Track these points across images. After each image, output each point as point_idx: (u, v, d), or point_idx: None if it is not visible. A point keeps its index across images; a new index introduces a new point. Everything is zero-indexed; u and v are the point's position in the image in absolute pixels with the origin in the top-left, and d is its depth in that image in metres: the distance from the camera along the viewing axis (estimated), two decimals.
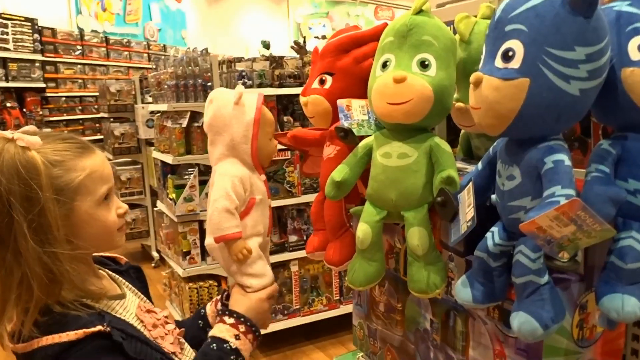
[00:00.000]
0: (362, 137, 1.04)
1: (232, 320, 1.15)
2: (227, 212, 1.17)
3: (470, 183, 0.86)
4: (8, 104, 5.64)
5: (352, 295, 1.41)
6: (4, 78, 5.57)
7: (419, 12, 0.96)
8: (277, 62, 2.99)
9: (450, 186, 0.89)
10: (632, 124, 0.79)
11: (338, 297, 3.32)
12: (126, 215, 1.05)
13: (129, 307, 1.05)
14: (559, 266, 0.72)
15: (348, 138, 1.02)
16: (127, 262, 1.21)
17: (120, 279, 1.13)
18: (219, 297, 1.34)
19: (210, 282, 3.15)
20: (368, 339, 1.30)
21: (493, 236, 0.85)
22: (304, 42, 3.37)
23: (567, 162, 0.73)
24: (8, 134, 0.92)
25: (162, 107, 3.29)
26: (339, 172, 1.01)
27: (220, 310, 1.23)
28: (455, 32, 1.08)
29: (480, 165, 0.91)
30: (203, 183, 3.00)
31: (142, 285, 1.19)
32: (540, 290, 0.77)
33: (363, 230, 0.98)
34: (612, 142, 0.79)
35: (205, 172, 3.09)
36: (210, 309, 1.33)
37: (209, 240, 1.22)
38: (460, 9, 1.18)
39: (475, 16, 1.09)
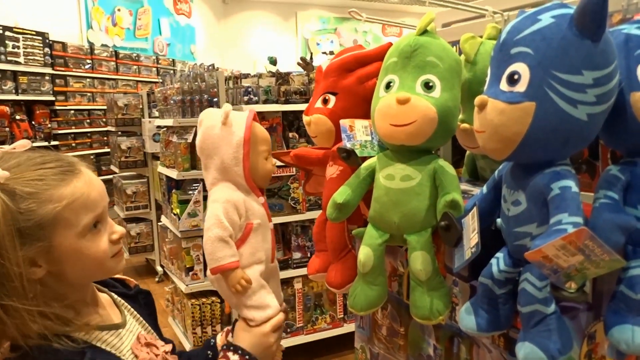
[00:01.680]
0: (364, 158, 1.02)
1: (236, 357, 1.08)
2: (221, 241, 1.10)
3: (475, 208, 0.84)
4: (17, 117, 5.68)
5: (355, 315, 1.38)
6: (14, 91, 5.62)
7: (424, 32, 0.95)
8: (283, 78, 2.99)
9: (454, 210, 0.87)
10: None
11: (342, 316, 3.28)
12: (121, 239, 0.95)
13: (126, 338, 0.97)
14: (566, 296, 0.70)
15: (350, 159, 1.01)
16: (137, 286, 1.13)
17: (125, 304, 1.05)
18: (230, 327, 1.26)
19: (213, 298, 3.11)
20: None
21: (498, 262, 0.82)
22: (311, 58, 3.38)
23: (575, 188, 0.71)
24: None
25: (168, 122, 3.29)
26: (341, 194, 0.99)
27: (225, 344, 1.15)
28: (460, 53, 1.07)
29: (485, 189, 0.89)
30: (207, 198, 2.99)
31: (149, 312, 1.11)
32: (547, 320, 0.75)
33: (365, 253, 0.96)
34: (621, 168, 0.77)
35: None
36: (220, 339, 1.24)
37: (209, 272, 1.16)
38: (466, 29, 1.17)
39: (481, 36, 1.08)
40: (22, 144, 0.90)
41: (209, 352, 1.22)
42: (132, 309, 1.06)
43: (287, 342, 3.09)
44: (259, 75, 2.97)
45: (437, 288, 0.92)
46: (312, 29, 12.36)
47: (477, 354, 0.95)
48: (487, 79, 0.79)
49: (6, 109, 5.50)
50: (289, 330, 3.13)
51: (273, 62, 3.34)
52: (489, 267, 0.83)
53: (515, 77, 0.72)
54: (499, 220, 0.87)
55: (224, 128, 1.16)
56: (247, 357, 1.09)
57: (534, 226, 0.75)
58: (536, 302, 0.74)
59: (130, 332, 0.99)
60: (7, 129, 5.54)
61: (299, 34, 12.22)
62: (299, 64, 3.32)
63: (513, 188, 0.79)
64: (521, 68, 0.72)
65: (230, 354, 1.09)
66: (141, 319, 1.07)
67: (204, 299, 3.10)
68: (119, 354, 0.93)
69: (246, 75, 3.01)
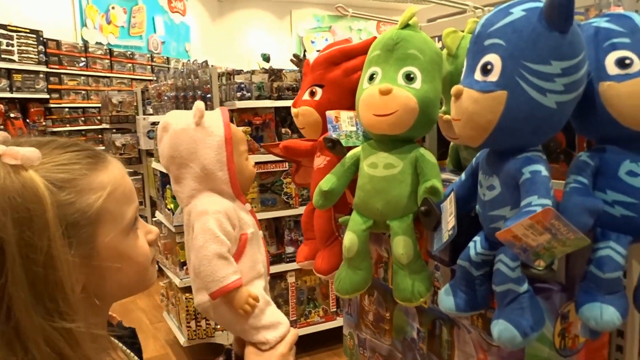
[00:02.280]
0: (349, 148, 1.06)
1: None
2: (220, 258, 0.97)
3: (452, 193, 0.88)
4: (12, 115, 5.69)
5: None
6: (8, 89, 5.63)
7: (406, 26, 0.99)
8: (275, 74, 3.02)
9: (434, 196, 0.91)
10: (611, 137, 0.81)
11: (335, 309, 3.32)
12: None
13: None
14: (534, 274, 0.74)
15: (336, 149, 1.04)
16: (120, 322, 0.92)
17: (123, 347, 0.86)
18: (222, 359, 1.11)
19: None
20: (358, 349, 1.31)
21: (475, 245, 0.86)
22: (304, 55, 3.41)
23: (545, 172, 0.75)
24: None
25: (162, 118, 3.32)
26: (327, 182, 1.03)
27: None
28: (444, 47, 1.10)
29: (463, 176, 0.93)
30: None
31: (138, 355, 0.90)
32: (520, 298, 0.78)
33: (350, 238, 1.00)
34: (590, 154, 0.81)
35: None
36: None
37: (201, 299, 1.01)
38: (450, 24, 1.21)
39: (463, 31, 1.12)
40: (2, 135, 0.70)
41: None
42: (125, 349, 0.87)
43: None
44: (252, 72, 3.01)
45: (419, 271, 0.96)
46: (307, 27, 12.37)
47: (457, 335, 0.99)
48: (464, 70, 0.82)
49: (0, 107, 5.51)
50: None
51: (266, 59, 3.37)
52: (467, 250, 0.87)
53: (489, 67, 0.76)
54: (478, 207, 0.91)
55: (198, 129, 1.02)
56: None
57: (508, 209, 0.79)
58: (509, 281, 0.78)
59: None
60: (2, 126, 5.55)
61: (293, 32, 12.23)
62: (291, 60, 3.34)
63: (488, 174, 0.83)
64: (494, 59, 0.75)
65: None
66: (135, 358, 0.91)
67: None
68: None
69: (239, 72, 3.04)
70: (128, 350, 0.84)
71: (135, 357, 0.86)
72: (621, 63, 0.77)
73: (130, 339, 0.87)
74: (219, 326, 3.13)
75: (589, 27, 0.83)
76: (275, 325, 1.02)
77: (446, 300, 0.89)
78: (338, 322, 3.30)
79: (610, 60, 0.78)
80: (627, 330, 0.98)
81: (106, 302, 0.75)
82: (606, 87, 0.78)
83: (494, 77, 0.75)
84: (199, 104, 1.05)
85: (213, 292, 0.97)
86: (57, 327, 0.60)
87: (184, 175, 1.04)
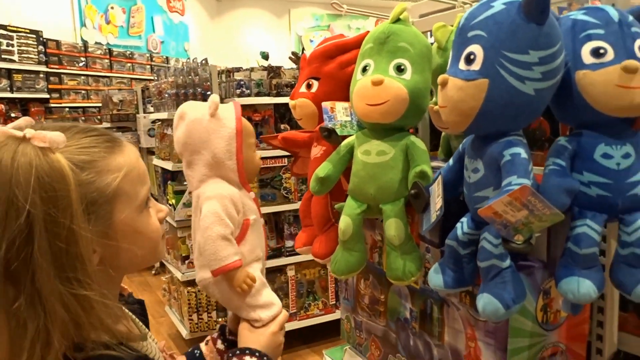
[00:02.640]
0: (344, 137, 1.11)
1: None
2: (224, 240, 1.04)
3: (440, 176, 0.93)
4: (12, 115, 5.74)
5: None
6: (8, 89, 5.69)
7: (397, 20, 1.04)
8: (274, 71, 3.08)
9: (423, 180, 0.97)
10: (587, 122, 0.86)
11: (334, 302, 3.38)
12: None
13: (153, 350, 0.88)
14: (514, 248, 0.79)
15: (331, 138, 1.10)
16: (131, 294, 1.00)
17: (133, 316, 0.93)
18: (214, 335, 1.19)
19: None
20: (354, 331, 1.37)
21: (462, 226, 0.92)
22: (302, 53, 3.46)
23: (524, 154, 0.80)
24: (16, 131, 0.68)
25: (163, 115, 3.38)
26: (323, 169, 1.08)
27: (238, 349, 1.05)
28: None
29: (451, 161, 0.98)
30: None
31: (145, 323, 0.98)
32: (503, 273, 0.84)
33: (345, 222, 1.05)
34: (568, 139, 0.87)
35: None
36: (207, 349, 1.17)
37: (203, 275, 1.09)
38: (440, 19, 1.27)
39: (452, 25, 1.18)
40: (27, 120, 0.75)
41: None
42: (136, 319, 0.95)
43: None
44: (251, 69, 3.06)
45: (410, 252, 1.02)
46: (306, 26, 12.42)
47: (447, 313, 1.04)
48: (449, 61, 0.88)
49: (1, 106, 5.56)
50: None
51: (265, 56, 3.43)
52: (454, 230, 0.93)
53: (472, 57, 0.81)
54: (464, 189, 0.97)
55: (212, 120, 1.10)
56: (265, 358, 1.03)
57: (491, 190, 0.85)
58: (493, 257, 0.84)
59: (151, 344, 0.90)
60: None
61: (292, 31, 12.28)
62: (290, 58, 3.39)
63: (473, 157, 0.88)
64: (476, 49, 0.81)
65: (247, 357, 1.02)
66: (148, 331, 0.98)
67: (199, 287, 3.19)
68: None
69: (238, 69, 3.10)
70: (137, 320, 0.92)
71: (144, 326, 0.93)
72: (596, 53, 0.82)
73: (140, 310, 0.96)
74: (220, 319, 3.19)
75: (567, 19, 0.88)
76: (269, 306, 1.11)
77: (435, 278, 0.94)
78: (337, 314, 3.36)
79: (586, 50, 0.83)
80: (606, 307, 1.04)
81: (120, 274, 0.83)
82: (582, 76, 0.83)
83: (476, 66, 0.80)
84: (215, 97, 1.12)
85: (214, 270, 1.05)
86: (75, 294, 0.67)
87: (195, 161, 1.12)
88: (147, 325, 0.98)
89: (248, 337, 1.07)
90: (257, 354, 1.03)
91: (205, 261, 1.06)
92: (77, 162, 0.70)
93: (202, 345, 1.18)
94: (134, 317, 0.91)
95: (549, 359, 0.97)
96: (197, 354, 1.16)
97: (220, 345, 1.16)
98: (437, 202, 0.91)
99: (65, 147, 0.70)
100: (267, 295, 1.12)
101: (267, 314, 1.10)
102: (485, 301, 0.83)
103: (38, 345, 0.65)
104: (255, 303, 1.09)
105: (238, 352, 1.04)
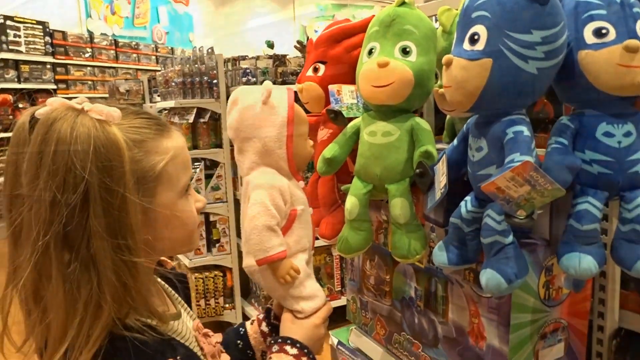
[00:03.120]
0: (350, 119, 1.13)
1: (295, 351, 1.01)
2: (269, 230, 1.03)
3: (444, 155, 0.96)
4: (20, 105, 5.80)
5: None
6: (16, 79, 5.73)
7: (402, 4, 1.06)
8: (280, 60, 3.10)
9: (427, 160, 0.99)
10: (589, 102, 0.87)
11: (339, 288, 3.41)
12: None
13: (186, 329, 0.90)
14: (517, 223, 0.81)
15: (338, 119, 1.12)
16: (173, 268, 1.01)
17: (171, 291, 0.96)
18: (260, 317, 1.19)
19: (216, 272, 3.25)
20: (360, 312, 1.39)
21: (466, 204, 0.94)
22: (307, 42, 3.47)
23: (527, 132, 0.82)
24: (75, 103, 0.72)
25: (170, 103, 3.40)
26: (330, 150, 1.11)
27: (279, 337, 1.05)
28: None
29: (455, 141, 1.00)
30: (209, 177, 3.11)
31: (186, 298, 1.02)
32: (505, 249, 0.86)
33: (351, 202, 1.08)
34: (571, 118, 0.88)
35: (210, 166, 3.20)
36: (251, 328, 1.17)
37: (249, 262, 1.08)
38: (446, 3, 1.28)
39: (457, 9, 1.19)
40: (82, 98, 0.77)
41: (239, 341, 1.15)
42: (174, 294, 0.98)
43: None
44: (257, 58, 3.08)
45: (415, 231, 1.04)
46: (310, 16, 12.39)
47: (451, 290, 1.07)
48: (454, 42, 0.90)
49: (9, 97, 5.61)
50: None
51: (270, 45, 3.44)
52: (458, 209, 0.95)
53: (476, 37, 0.83)
54: (468, 168, 0.99)
55: (264, 108, 1.08)
56: (305, 350, 1.02)
57: (494, 168, 0.87)
58: (496, 233, 0.86)
59: (185, 322, 0.92)
60: (11, 117, 5.65)
61: (296, 21, 12.25)
62: (295, 47, 3.41)
63: (477, 136, 0.90)
64: (480, 29, 0.82)
65: (288, 347, 1.01)
66: (186, 306, 1.01)
67: (207, 273, 3.24)
68: (189, 345, 0.87)
69: (244, 58, 3.11)
70: (175, 295, 0.96)
71: (180, 303, 0.97)
72: (598, 33, 0.83)
73: (181, 283, 1.00)
74: (227, 305, 3.23)
75: (570, 0, 0.90)
76: (313, 297, 1.11)
77: (440, 256, 0.97)
78: (343, 300, 3.39)
79: (588, 31, 0.85)
80: (608, 285, 1.06)
81: (156, 254, 0.84)
82: (584, 55, 0.85)
83: (480, 46, 0.82)
84: (267, 84, 1.09)
85: (259, 260, 1.04)
86: (124, 260, 0.71)
87: (246, 147, 1.10)
88: (189, 300, 1.01)
89: (290, 328, 1.07)
90: (297, 345, 1.02)
91: (251, 250, 1.06)
92: (128, 140, 0.74)
93: (248, 324, 1.19)
94: (172, 292, 0.95)
95: (551, 335, 1.00)
96: (242, 332, 1.16)
97: (264, 327, 1.17)
98: (441, 180, 0.93)
99: (119, 124, 0.74)
100: (311, 286, 1.11)
101: (310, 306, 1.09)
102: (488, 276, 0.85)
103: (90, 308, 0.69)
104: (298, 294, 1.09)
105: (280, 340, 1.03)
